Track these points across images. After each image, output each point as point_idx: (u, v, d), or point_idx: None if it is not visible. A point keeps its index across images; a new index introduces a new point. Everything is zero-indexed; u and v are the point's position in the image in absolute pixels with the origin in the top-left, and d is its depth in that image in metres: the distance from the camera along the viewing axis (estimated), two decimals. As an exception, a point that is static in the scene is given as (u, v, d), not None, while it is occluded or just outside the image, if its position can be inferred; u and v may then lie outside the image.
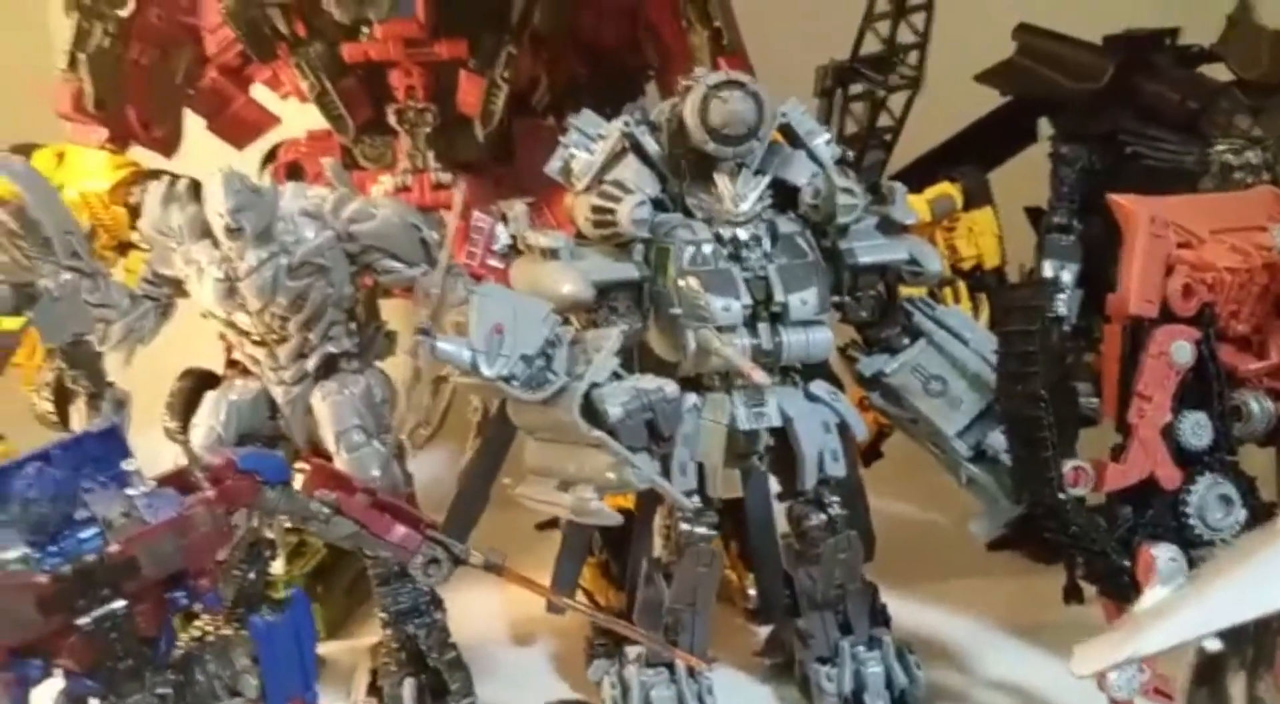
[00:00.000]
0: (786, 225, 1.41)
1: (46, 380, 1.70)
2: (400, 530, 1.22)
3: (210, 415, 1.57)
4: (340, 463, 1.52)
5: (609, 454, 1.16)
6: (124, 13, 1.89)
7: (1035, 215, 2.09)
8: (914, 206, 1.80)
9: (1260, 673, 0.86)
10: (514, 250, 2.01)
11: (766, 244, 1.40)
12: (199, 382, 1.75)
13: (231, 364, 1.70)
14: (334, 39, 1.86)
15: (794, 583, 1.52)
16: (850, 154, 1.71)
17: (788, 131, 1.49)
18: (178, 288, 1.60)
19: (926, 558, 1.90)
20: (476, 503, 1.58)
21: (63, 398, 1.71)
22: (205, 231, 1.53)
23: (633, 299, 1.38)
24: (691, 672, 1.47)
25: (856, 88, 1.79)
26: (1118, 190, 1.96)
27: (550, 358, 1.21)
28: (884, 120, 1.82)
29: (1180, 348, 1.23)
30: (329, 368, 1.58)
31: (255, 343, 1.55)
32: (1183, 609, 0.83)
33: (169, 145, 2.02)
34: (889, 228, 1.46)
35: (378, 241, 1.54)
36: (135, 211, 1.88)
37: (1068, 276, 1.91)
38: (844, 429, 1.43)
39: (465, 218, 1.97)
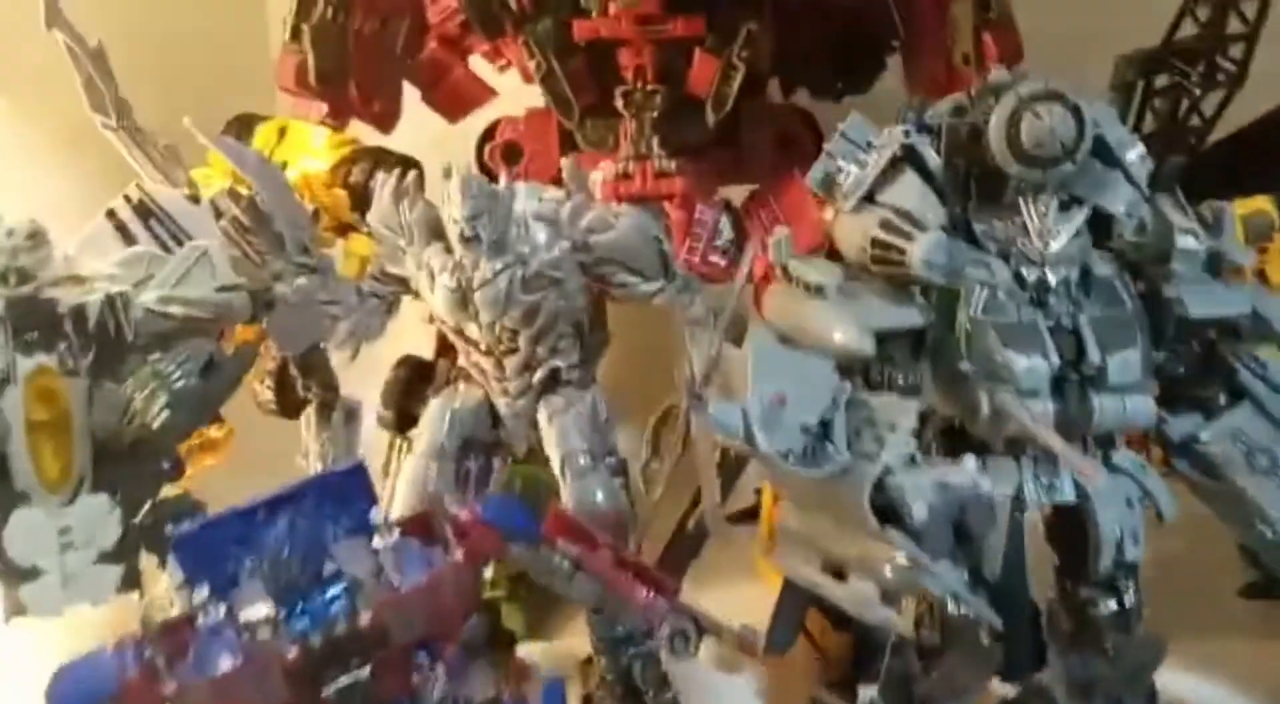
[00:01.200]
0: (1102, 267, 1.20)
1: (269, 368, 1.69)
2: (644, 593, 1.12)
3: (434, 424, 1.51)
4: (565, 488, 1.43)
5: (900, 553, 1.00)
6: (348, -18, 1.81)
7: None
8: (1223, 226, 1.57)
9: None
10: (736, 246, 1.89)
11: (1077, 289, 1.19)
12: (414, 371, 1.70)
13: (444, 350, 1.63)
14: (564, 15, 1.73)
15: (1040, 657, 1.34)
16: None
17: (1098, 144, 1.27)
18: (405, 286, 1.53)
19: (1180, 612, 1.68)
20: (698, 542, 1.46)
21: (285, 386, 1.70)
22: (438, 233, 1.44)
23: (910, 348, 1.21)
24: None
25: (1163, 80, 1.52)
26: None
27: (829, 426, 1.06)
28: (1192, 117, 1.55)
29: None
30: (554, 381, 1.49)
31: (483, 352, 1.47)
32: None
33: (388, 120, 1.95)
34: (1217, 266, 1.23)
35: (615, 254, 1.42)
36: (355, 191, 1.83)
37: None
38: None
39: (687, 208, 1.84)
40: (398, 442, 1.68)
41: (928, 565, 0.99)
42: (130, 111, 1.47)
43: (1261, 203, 1.55)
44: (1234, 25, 1.45)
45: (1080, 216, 1.20)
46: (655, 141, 1.80)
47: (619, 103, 1.78)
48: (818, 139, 1.99)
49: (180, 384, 1.30)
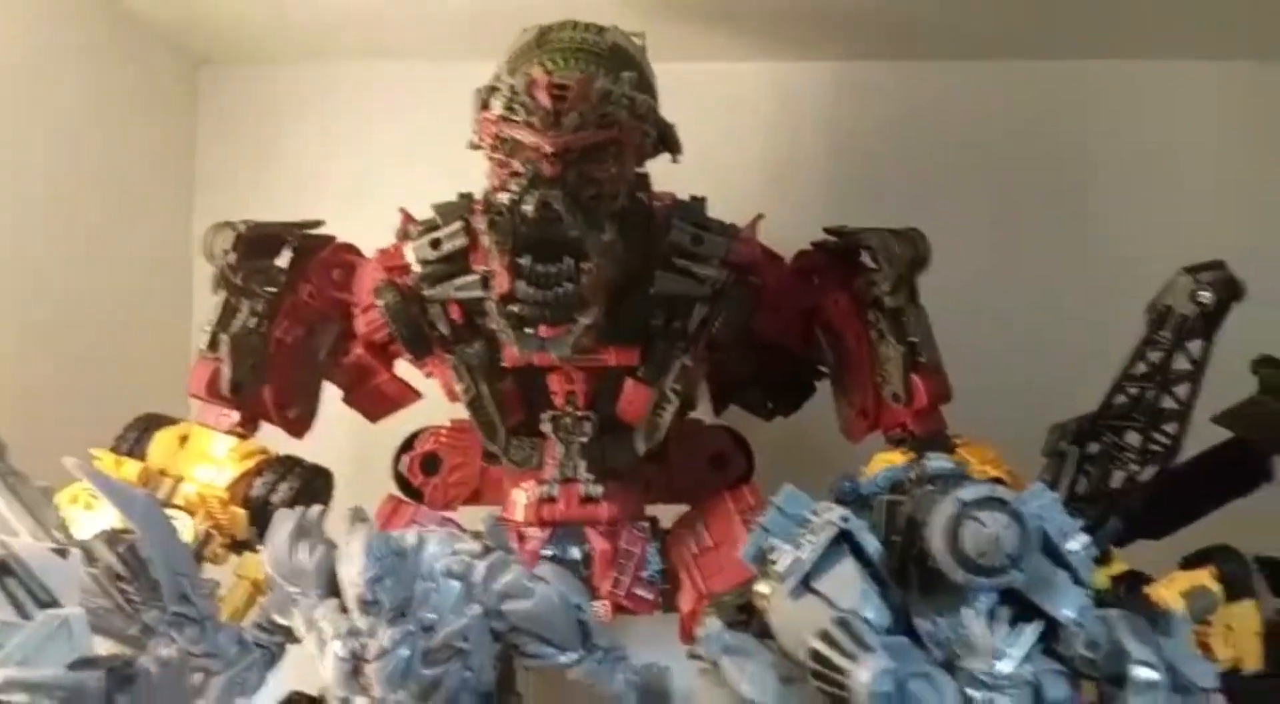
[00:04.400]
0: (1054, 688, 1.11)
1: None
2: None
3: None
4: None
5: None
6: (275, 290, 1.77)
7: (1273, 568, 1.76)
8: (1166, 600, 1.52)
9: None
10: (664, 577, 1.79)
11: None
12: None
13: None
14: (496, 340, 1.70)
15: None
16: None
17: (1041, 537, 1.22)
18: (291, 636, 1.38)
19: None
20: None
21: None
22: (333, 589, 1.31)
23: None
24: None
25: (1094, 448, 1.52)
26: None
27: None
28: (1123, 484, 1.54)
29: None
30: (454, 759, 1.32)
31: (372, 728, 1.31)
32: None
33: (302, 426, 1.86)
34: (1180, 689, 1.15)
35: (530, 624, 1.30)
36: (254, 507, 1.71)
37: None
38: None
39: (613, 538, 1.75)
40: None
41: None
42: (4, 452, 1.36)
43: (1202, 577, 1.51)
44: (1167, 401, 1.47)
45: (1032, 634, 1.13)
46: (583, 466, 1.74)
47: (546, 426, 1.73)
48: (749, 459, 1.96)
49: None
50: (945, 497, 1.13)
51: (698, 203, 1.80)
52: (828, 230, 1.92)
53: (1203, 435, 1.64)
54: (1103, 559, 1.61)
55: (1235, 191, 2.39)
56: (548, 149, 1.42)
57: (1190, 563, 1.53)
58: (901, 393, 1.78)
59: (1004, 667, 1.10)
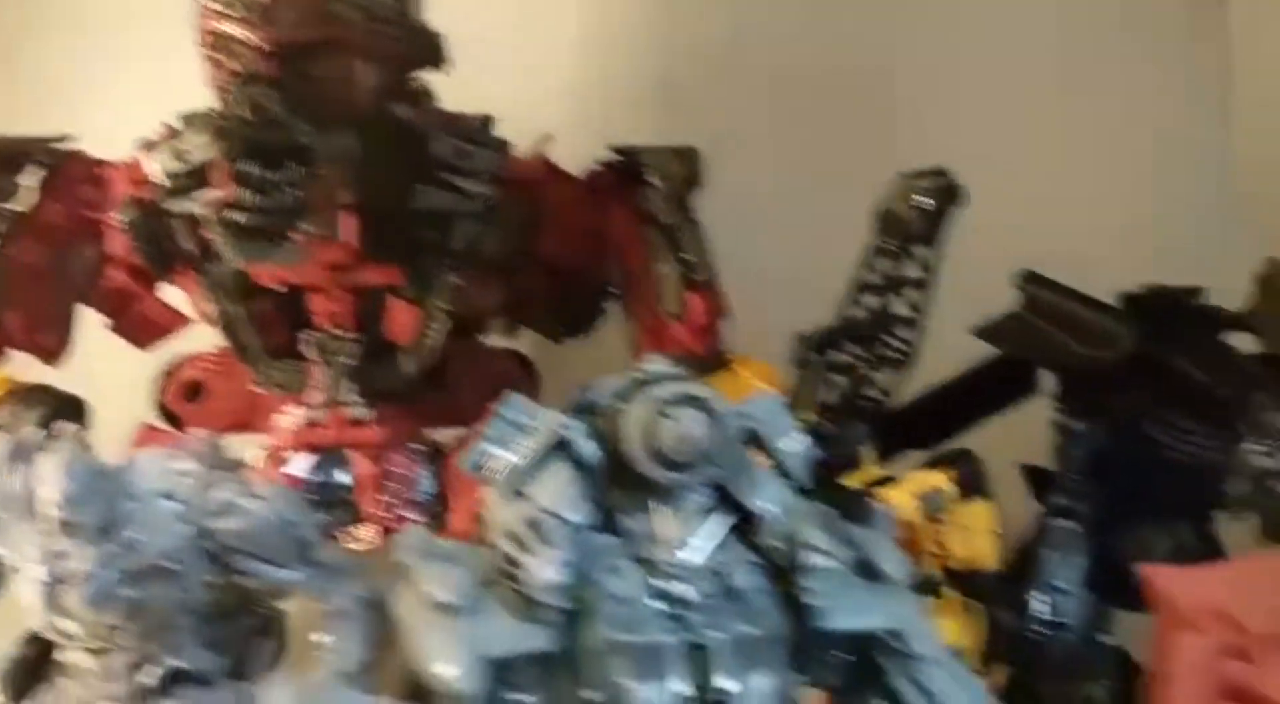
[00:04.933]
0: (745, 577, 1.14)
1: None
2: None
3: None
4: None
5: None
6: (21, 208, 1.66)
7: (1034, 476, 1.84)
8: (899, 502, 1.57)
9: None
10: (440, 501, 1.78)
11: (717, 602, 1.12)
12: (41, 650, 1.47)
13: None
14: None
15: None
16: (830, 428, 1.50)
17: (751, 436, 1.24)
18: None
19: None
20: None
21: None
22: (33, 509, 1.26)
23: (540, 672, 1.10)
24: None
25: (839, 357, 1.55)
26: (1128, 473, 1.78)
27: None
28: (868, 390, 1.58)
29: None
30: (176, 681, 1.29)
31: (81, 650, 1.26)
32: None
33: (56, 353, 1.76)
34: (872, 576, 1.19)
35: (244, 543, 1.26)
36: (2, 435, 1.62)
37: (1073, 574, 1.66)
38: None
39: (379, 462, 1.73)
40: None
41: None
42: None
43: (935, 478, 1.57)
44: (901, 308, 1.51)
45: (721, 526, 1.15)
46: (349, 389, 1.70)
47: (308, 348, 1.68)
48: (534, 383, 1.95)
49: None
50: (642, 395, 1.14)
51: (478, 120, 1.76)
52: (613, 150, 1.90)
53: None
54: (852, 465, 1.66)
55: (1042, 110, 2.44)
56: (261, 45, 1.35)
57: (928, 466, 1.59)
58: (677, 310, 1.79)
59: (687, 556, 1.12)
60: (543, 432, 1.21)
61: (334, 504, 1.71)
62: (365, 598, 1.29)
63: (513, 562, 1.08)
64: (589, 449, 1.20)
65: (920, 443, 1.79)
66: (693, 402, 1.13)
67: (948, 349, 1.80)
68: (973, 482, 1.59)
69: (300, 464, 1.69)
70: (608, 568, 1.12)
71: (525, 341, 2.05)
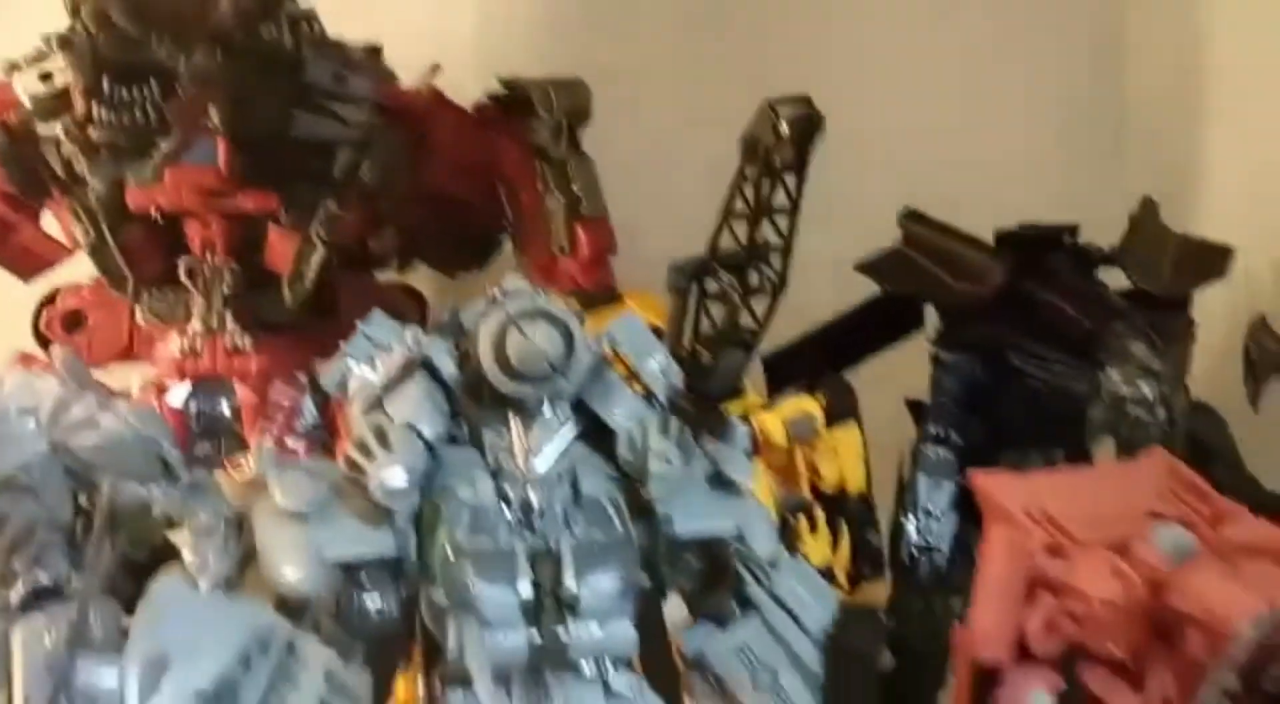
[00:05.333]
0: (593, 485, 1.17)
1: None
2: None
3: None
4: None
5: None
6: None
7: (917, 410, 1.90)
8: (768, 428, 1.61)
9: None
10: (324, 430, 1.78)
11: (567, 509, 1.15)
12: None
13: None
14: (119, 180, 1.60)
15: None
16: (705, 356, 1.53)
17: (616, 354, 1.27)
18: None
19: None
20: None
21: None
22: None
23: (390, 575, 1.12)
24: None
25: (714, 286, 1.58)
26: (1001, 403, 1.85)
27: (238, 686, 0.94)
28: (745, 320, 1.61)
29: (1039, 699, 1.01)
30: (38, 597, 1.28)
31: (-60, 569, 1.26)
32: None
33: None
34: (723, 485, 1.23)
35: (101, 459, 1.26)
36: None
37: (943, 499, 1.73)
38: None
39: (260, 390, 1.72)
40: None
41: None
42: None
43: (804, 403, 1.61)
44: (772, 235, 1.53)
45: (566, 435, 1.17)
46: (228, 317, 1.69)
47: (184, 276, 1.67)
48: (425, 318, 1.95)
49: None
50: (495, 309, 1.15)
51: (362, 49, 1.74)
52: (501, 82, 1.89)
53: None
54: (732, 393, 1.70)
55: (917, 20, 2.44)
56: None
57: (801, 392, 1.63)
58: (565, 244, 1.80)
59: (538, 464, 1.14)
60: (401, 349, 1.22)
61: (217, 434, 1.71)
62: (227, 514, 1.29)
63: (359, 469, 1.10)
64: (447, 365, 1.22)
65: (811, 378, 1.83)
66: (542, 316, 1.15)
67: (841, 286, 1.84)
68: (841, 407, 1.63)
69: (179, 393, 1.68)
70: (461, 477, 1.14)
71: (424, 279, 2.06)
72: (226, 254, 1.66)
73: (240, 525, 1.21)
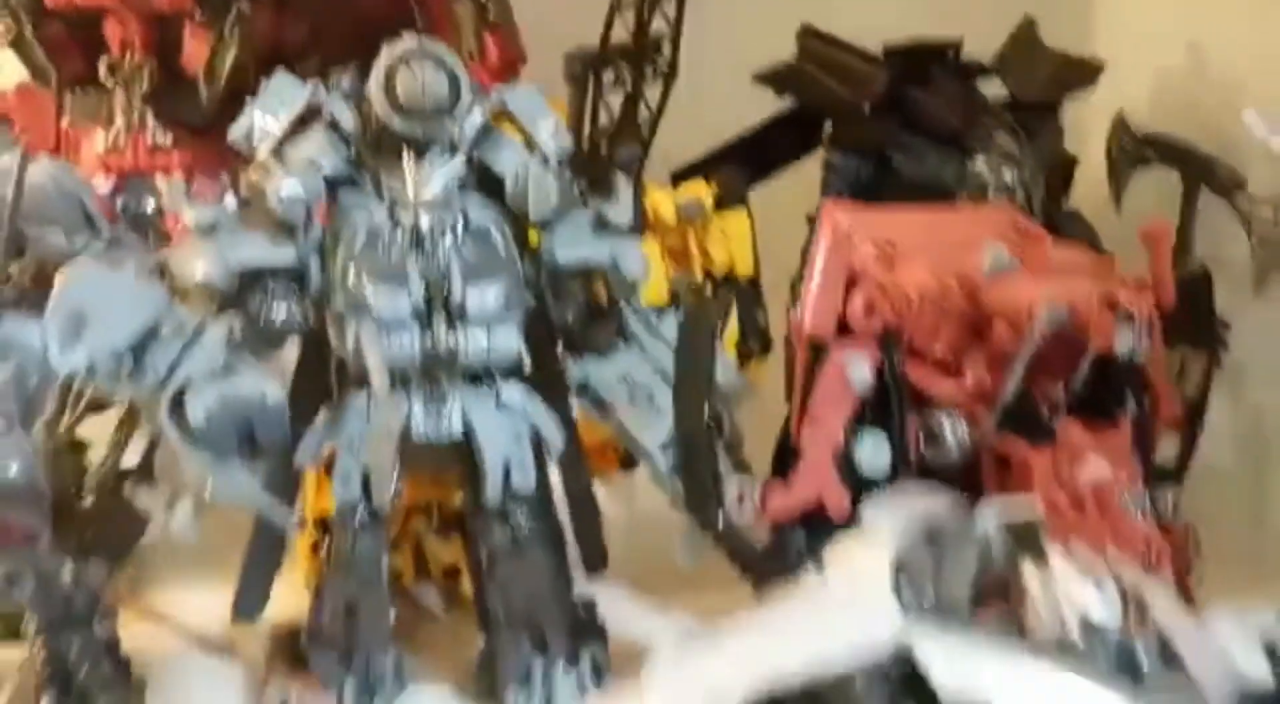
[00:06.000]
0: (478, 214, 1.29)
1: None
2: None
3: None
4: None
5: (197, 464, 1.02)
6: None
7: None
8: (660, 207, 1.74)
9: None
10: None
11: (454, 232, 1.28)
12: None
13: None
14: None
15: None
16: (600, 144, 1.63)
17: (507, 116, 1.38)
18: None
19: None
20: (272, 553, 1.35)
21: None
22: None
23: (295, 282, 1.24)
24: (371, 692, 1.34)
25: (609, 76, 1.68)
26: (881, 200, 1.98)
27: (147, 350, 1.07)
28: (643, 113, 1.72)
29: (858, 368, 1.16)
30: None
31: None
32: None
33: None
34: (603, 227, 1.36)
35: (28, 208, 1.35)
36: None
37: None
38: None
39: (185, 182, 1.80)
40: None
41: (209, 466, 1.01)
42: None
43: (695, 188, 1.74)
44: (662, 25, 1.63)
45: (452, 167, 1.29)
46: (148, 115, 1.76)
47: (104, 74, 1.74)
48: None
49: None
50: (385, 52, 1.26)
51: None
52: (413, -104, 1.95)
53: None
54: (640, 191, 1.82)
55: None
56: None
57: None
58: (475, 51, 1.89)
59: (427, 192, 1.26)
60: (299, 101, 1.33)
61: (144, 229, 1.80)
62: (150, 264, 1.40)
63: (255, 188, 1.21)
64: (345, 117, 1.33)
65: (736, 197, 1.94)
66: (428, 56, 1.26)
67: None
68: (731, 195, 1.76)
69: (101, 186, 1.76)
70: (359, 208, 1.27)
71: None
72: (145, 53, 1.73)
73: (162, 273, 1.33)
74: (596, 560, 1.44)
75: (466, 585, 1.63)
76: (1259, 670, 0.70)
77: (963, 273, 1.23)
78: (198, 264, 1.17)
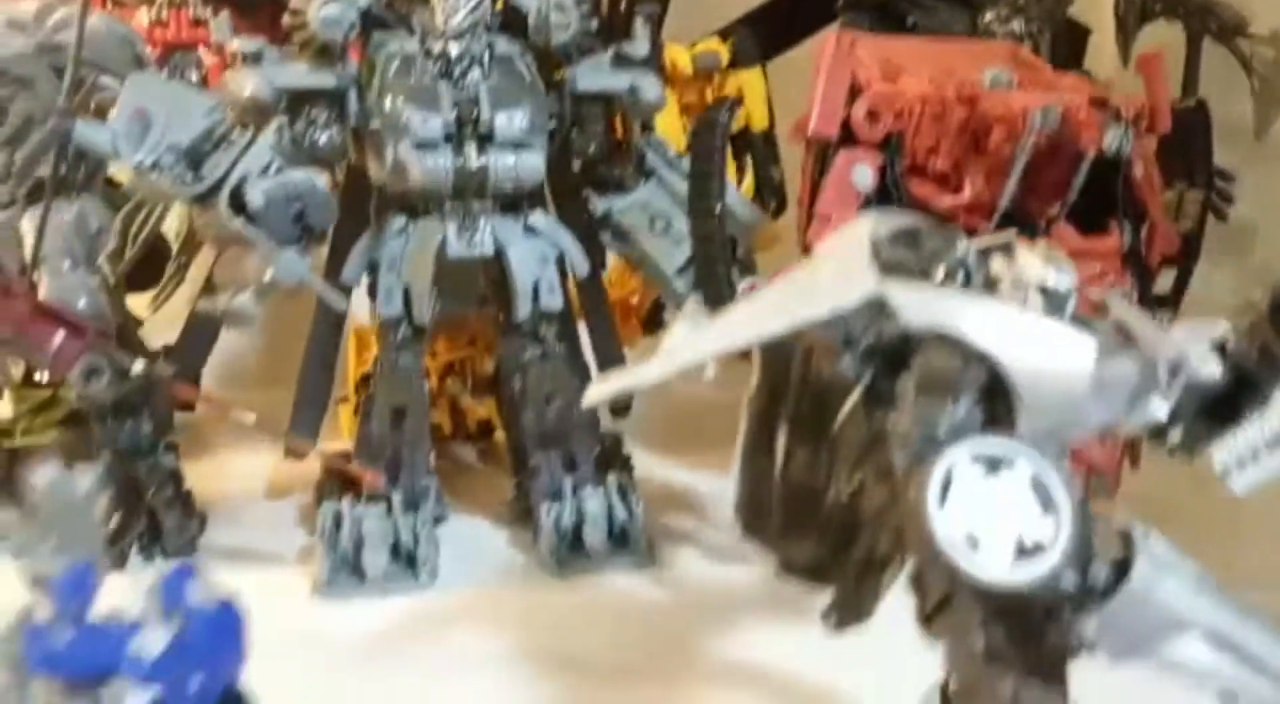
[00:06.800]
0: (505, 46, 1.38)
1: None
2: (58, 337, 1.18)
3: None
4: (43, 290, 1.45)
5: (259, 250, 1.13)
6: None
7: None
8: (677, 58, 1.81)
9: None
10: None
11: (482, 63, 1.36)
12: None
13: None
14: None
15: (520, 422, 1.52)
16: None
17: None
18: None
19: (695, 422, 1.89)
20: (324, 376, 1.49)
21: None
22: None
23: (336, 111, 1.34)
24: (415, 505, 1.46)
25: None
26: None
27: (208, 153, 1.17)
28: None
29: (861, 171, 1.24)
30: (41, 191, 1.50)
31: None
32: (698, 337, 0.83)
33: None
34: (622, 62, 1.44)
35: (85, 53, 1.45)
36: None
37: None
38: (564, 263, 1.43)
39: (222, 55, 1.90)
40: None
41: (272, 249, 1.13)
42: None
43: (713, 43, 1.81)
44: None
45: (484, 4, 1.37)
46: (189, -10, 1.86)
47: (149, -48, 1.83)
48: None
49: None
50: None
51: None
52: None
53: None
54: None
55: None
56: None
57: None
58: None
59: (454, 20, 1.34)
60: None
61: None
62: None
63: (298, 14, 1.30)
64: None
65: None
66: None
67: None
68: (746, 54, 1.83)
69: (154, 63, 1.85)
70: (393, 39, 1.36)
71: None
72: (185, -74, 1.82)
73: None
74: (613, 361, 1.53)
75: (499, 440, 1.75)
76: (1210, 365, 0.78)
77: (962, 85, 1.30)
78: (246, 83, 1.27)
